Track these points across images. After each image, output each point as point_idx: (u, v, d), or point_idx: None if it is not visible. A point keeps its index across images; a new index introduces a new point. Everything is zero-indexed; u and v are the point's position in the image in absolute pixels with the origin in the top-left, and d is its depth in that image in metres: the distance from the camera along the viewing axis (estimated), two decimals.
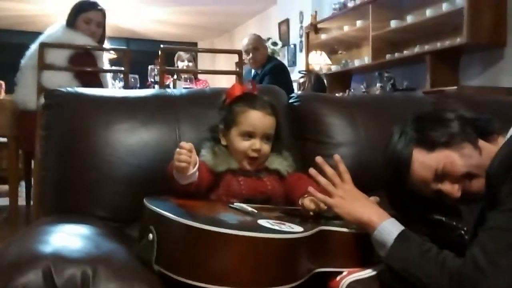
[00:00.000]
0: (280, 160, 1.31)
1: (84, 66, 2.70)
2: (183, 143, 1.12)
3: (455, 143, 1.07)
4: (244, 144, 1.25)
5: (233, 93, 1.30)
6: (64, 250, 0.90)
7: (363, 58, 4.95)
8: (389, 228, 1.02)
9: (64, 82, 2.45)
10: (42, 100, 1.41)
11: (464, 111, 1.14)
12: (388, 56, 4.45)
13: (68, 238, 0.99)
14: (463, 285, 0.87)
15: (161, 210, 0.97)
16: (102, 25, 2.90)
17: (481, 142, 1.07)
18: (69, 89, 1.43)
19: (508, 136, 1.04)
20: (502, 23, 3.51)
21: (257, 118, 1.26)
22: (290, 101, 1.69)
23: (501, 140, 1.04)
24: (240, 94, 1.30)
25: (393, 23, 4.32)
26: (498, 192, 0.92)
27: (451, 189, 1.07)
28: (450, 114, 1.12)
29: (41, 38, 2.77)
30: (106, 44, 3.23)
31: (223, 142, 1.29)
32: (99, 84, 2.74)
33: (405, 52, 4.31)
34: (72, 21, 2.82)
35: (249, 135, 1.25)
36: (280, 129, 1.35)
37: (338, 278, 1.06)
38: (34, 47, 2.77)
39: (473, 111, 1.17)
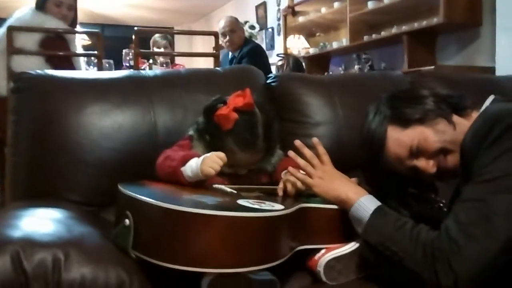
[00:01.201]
0: (267, 157, 1.27)
1: (55, 50, 2.62)
2: (223, 155, 1.12)
3: (429, 119, 1.06)
4: (228, 170, 1.20)
5: (226, 125, 1.17)
6: (34, 234, 0.87)
7: (341, 40, 4.94)
8: (365, 204, 1.03)
9: (36, 67, 2.37)
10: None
11: (439, 89, 1.14)
12: (365, 38, 4.45)
13: (39, 221, 0.96)
14: (436, 257, 0.88)
15: (137, 195, 0.94)
16: (73, 8, 2.81)
17: (455, 118, 1.07)
18: (39, 71, 1.39)
19: (481, 111, 1.05)
20: (477, 2, 3.52)
21: (244, 159, 1.20)
22: (268, 81, 1.67)
23: (475, 115, 1.05)
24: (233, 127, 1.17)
25: (370, 4, 4.30)
26: (472, 165, 0.92)
27: (426, 165, 1.06)
28: (424, 91, 1.11)
29: (9, 22, 2.67)
30: (79, 29, 3.14)
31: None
32: (72, 69, 2.66)
33: (382, 33, 4.31)
34: (41, 4, 2.72)
35: (235, 165, 1.22)
36: (275, 132, 1.26)
37: (316, 257, 1.06)
38: (1, 30, 2.67)
39: (449, 88, 1.17)
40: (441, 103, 1.08)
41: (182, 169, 1.13)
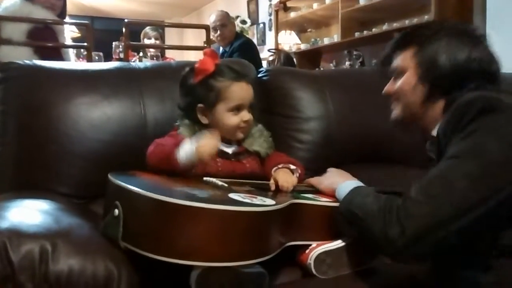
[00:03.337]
0: (260, 141, 1.29)
1: (43, 41, 2.58)
2: (216, 137, 1.12)
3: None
4: (235, 119, 1.22)
5: (207, 69, 1.22)
6: (21, 225, 0.85)
7: (332, 36, 4.95)
8: (350, 184, 1.05)
9: (24, 58, 2.32)
10: None
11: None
12: (357, 34, 4.46)
13: (27, 212, 0.95)
14: (390, 210, 0.87)
15: (127, 185, 0.92)
16: None
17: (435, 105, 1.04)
18: (27, 61, 1.37)
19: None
20: (468, 1, 3.54)
21: (244, 90, 1.24)
22: (259, 75, 1.67)
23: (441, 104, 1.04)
24: (215, 69, 1.23)
25: (362, 1, 4.31)
26: (446, 152, 0.92)
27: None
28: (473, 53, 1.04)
29: None
30: (68, 21, 3.09)
31: (204, 121, 1.24)
32: (61, 60, 2.62)
33: (373, 30, 4.32)
34: None
35: (238, 108, 1.23)
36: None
37: (307, 250, 1.07)
38: None
39: None
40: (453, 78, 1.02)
41: (176, 152, 1.11)
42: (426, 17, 3.66)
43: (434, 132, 1.02)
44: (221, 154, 1.22)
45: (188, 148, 1.09)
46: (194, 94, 1.24)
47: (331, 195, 1.12)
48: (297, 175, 1.23)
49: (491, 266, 0.87)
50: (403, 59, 1.07)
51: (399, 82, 1.08)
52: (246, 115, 1.24)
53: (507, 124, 0.86)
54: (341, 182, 1.09)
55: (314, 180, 1.21)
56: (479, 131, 0.87)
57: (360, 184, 1.06)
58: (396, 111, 1.10)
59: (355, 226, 0.97)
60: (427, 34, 1.06)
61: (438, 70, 1.02)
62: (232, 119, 1.22)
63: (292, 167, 1.24)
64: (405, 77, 1.07)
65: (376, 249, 0.97)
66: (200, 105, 1.23)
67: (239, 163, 1.24)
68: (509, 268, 0.85)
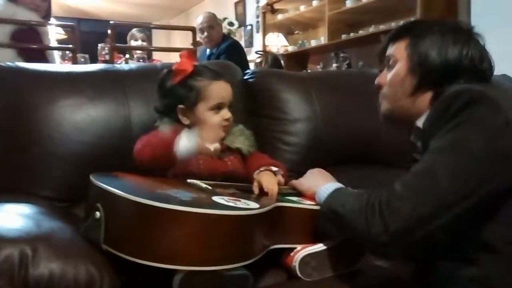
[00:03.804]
0: (242, 139, 1.30)
1: (27, 42, 2.55)
2: None
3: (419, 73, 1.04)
4: (216, 118, 1.24)
5: (186, 69, 1.25)
6: (0, 229, 0.83)
7: (320, 38, 4.97)
8: (330, 186, 1.05)
9: (7, 60, 2.30)
10: None
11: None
12: (343, 36, 4.48)
13: (6, 216, 0.93)
14: (372, 205, 0.86)
15: (108, 187, 0.91)
16: None
17: (424, 95, 1.04)
18: (10, 63, 1.35)
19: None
20: (454, 3, 3.58)
21: (223, 88, 1.26)
22: (245, 77, 1.66)
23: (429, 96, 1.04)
24: (193, 69, 1.25)
25: (349, 3, 4.34)
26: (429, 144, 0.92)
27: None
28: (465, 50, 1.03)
29: None
30: (53, 22, 3.07)
31: (185, 121, 1.24)
32: (46, 62, 2.60)
33: (360, 32, 4.35)
34: None
35: (218, 107, 1.24)
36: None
37: (292, 253, 1.07)
38: None
39: None
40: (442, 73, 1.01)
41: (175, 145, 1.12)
42: (412, 19, 3.68)
43: (420, 123, 1.02)
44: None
45: (189, 144, 1.12)
46: (174, 95, 1.24)
47: (312, 197, 1.11)
48: (280, 176, 1.23)
49: (471, 260, 0.87)
50: (396, 50, 1.07)
51: (390, 74, 1.07)
52: (227, 113, 1.25)
53: (492, 117, 0.86)
54: (321, 185, 1.08)
55: (295, 182, 1.21)
56: (464, 124, 0.87)
57: (340, 185, 1.06)
58: (384, 105, 1.10)
59: (338, 226, 0.97)
60: (422, 28, 1.06)
61: (428, 64, 1.02)
62: (214, 118, 1.24)
63: (274, 169, 1.24)
64: (396, 68, 1.06)
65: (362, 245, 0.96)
66: (180, 106, 1.24)
67: (221, 161, 1.24)
68: (488, 262, 0.86)
